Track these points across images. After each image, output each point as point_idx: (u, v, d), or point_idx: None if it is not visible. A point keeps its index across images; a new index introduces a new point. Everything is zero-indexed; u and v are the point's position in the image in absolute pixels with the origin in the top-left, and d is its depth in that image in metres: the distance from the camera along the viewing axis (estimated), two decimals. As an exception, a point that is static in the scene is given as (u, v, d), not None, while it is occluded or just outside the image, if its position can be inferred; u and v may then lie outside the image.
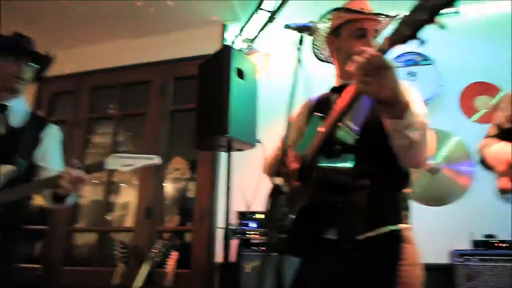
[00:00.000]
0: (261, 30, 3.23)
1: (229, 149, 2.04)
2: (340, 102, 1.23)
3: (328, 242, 1.34)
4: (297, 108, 1.78)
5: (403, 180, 1.41)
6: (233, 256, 2.78)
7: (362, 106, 1.33)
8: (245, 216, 3.00)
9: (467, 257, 2.58)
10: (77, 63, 4.29)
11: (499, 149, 1.29)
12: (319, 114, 1.11)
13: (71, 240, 4.02)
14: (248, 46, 3.37)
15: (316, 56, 1.70)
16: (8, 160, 1.74)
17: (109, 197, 4.08)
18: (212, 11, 3.79)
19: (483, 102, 3.35)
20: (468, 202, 3.04)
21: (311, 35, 1.48)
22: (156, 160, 1.65)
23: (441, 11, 0.84)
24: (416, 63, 3.62)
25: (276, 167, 1.53)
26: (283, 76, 3.80)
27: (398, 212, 1.40)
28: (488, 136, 1.49)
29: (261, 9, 3.22)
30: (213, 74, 2.11)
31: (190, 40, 4.05)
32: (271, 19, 3.14)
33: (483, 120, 3.33)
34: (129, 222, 3.98)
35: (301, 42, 1.46)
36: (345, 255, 1.31)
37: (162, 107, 3.99)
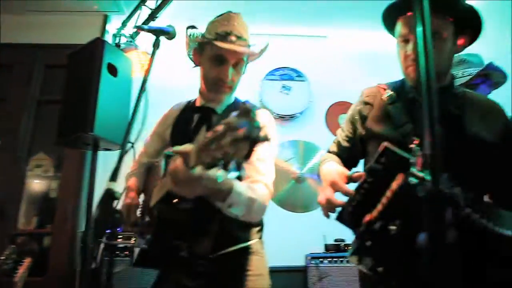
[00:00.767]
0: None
1: (94, 148, 1.92)
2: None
3: (182, 260, 1.40)
4: (161, 117, 1.80)
5: None
6: (96, 262, 2.62)
7: None
8: (111, 219, 2.84)
9: (319, 259, 2.87)
10: None
11: (327, 169, 1.34)
12: (170, 153, 1.12)
13: None
14: (128, 41, 3.23)
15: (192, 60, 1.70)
16: None
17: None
18: (94, -2, 3.54)
19: (344, 120, 3.77)
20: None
21: (170, 39, 1.47)
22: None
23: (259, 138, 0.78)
24: (291, 78, 3.91)
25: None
26: (163, 77, 3.77)
27: (249, 230, 1.52)
28: (328, 151, 1.59)
29: (144, 5, 3.12)
30: (83, 66, 1.96)
31: (68, 26, 3.70)
32: (152, 17, 3.06)
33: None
34: (-26, 224, 3.46)
35: (157, 45, 1.42)
36: (195, 271, 1.40)
37: (26, 96, 3.57)
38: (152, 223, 1.48)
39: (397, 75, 1.43)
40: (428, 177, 0.86)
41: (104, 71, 1.89)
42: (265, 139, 0.76)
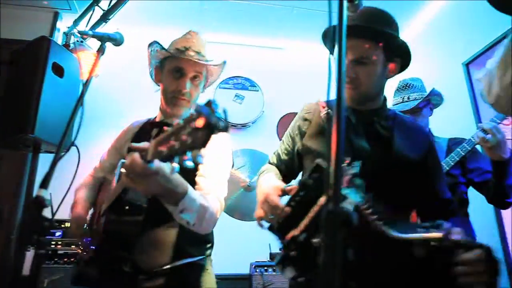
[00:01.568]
0: (93, 27, 3.04)
1: (35, 150, 1.84)
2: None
3: (125, 274, 1.37)
4: (120, 132, 1.81)
5: None
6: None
7: None
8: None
9: (264, 268, 2.92)
10: None
11: (264, 180, 1.38)
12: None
13: None
14: (78, 42, 3.14)
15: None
16: None
17: None
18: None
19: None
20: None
21: (117, 45, 1.46)
22: None
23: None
24: (244, 88, 3.96)
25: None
26: (115, 80, 3.70)
27: (200, 246, 1.53)
28: (269, 162, 1.62)
29: (97, 5, 3.05)
30: (27, 65, 1.89)
31: (16, 20, 3.53)
32: (105, 18, 3.00)
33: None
34: None
35: (102, 51, 1.41)
36: (139, 286, 1.38)
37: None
38: (97, 235, 1.46)
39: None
40: (352, 195, 0.93)
41: (49, 71, 1.83)
42: (225, 128, 0.79)
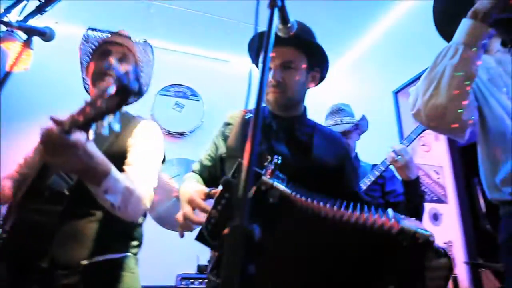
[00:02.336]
0: (26, 18, 2.84)
1: None
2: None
3: (41, 271, 1.27)
4: None
5: None
6: None
7: None
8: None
9: (190, 280, 2.87)
10: None
11: (186, 186, 1.34)
12: None
13: None
14: (8, 31, 2.91)
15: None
16: None
17: None
18: (-30, -25, 3.15)
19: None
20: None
21: (46, 41, 1.40)
22: None
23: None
24: (185, 97, 3.92)
25: None
26: (46, 75, 3.49)
27: (126, 242, 1.46)
28: (192, 171, 1.60)
29: (33, -5, 2.85)
30: None
31: None
32: (40, 10, 2.81)
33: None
34: None
35: (27, 44, 1.37)
36: (57, 285, 1.27)
37: None
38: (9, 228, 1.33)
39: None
40: (278, 183, 0.95)
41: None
42: (138, 92, 0.80)
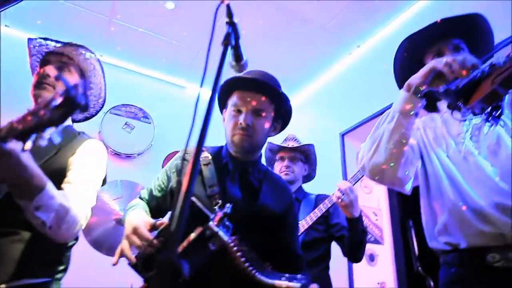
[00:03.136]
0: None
1: None
2: None
3: None
4: None
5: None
6: None
7: None
8: None
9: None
10: None
11: (133, 215, 1.30)
12: None
13: None
14: None
15: None
16: None
17: None
18: None
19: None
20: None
21: None
22: None
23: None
24: (136, 118, 3.85)
25: None
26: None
27: (52, 266, 1.39)
28: (140, 197, 1.57)
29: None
30: None
31: None
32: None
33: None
34: None
35: None
36: None
37: None
38: None
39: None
40: (222, 233, 0.97)
41: None
42: (85, 106, 0.77)
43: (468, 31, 1.47)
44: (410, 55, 1.54)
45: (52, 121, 0.79)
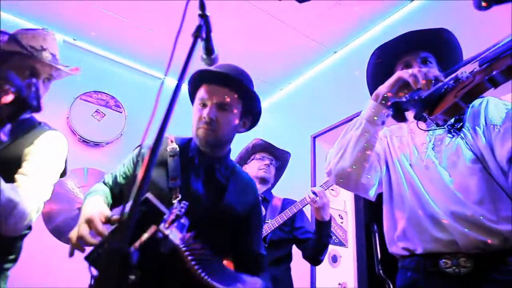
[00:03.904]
0: None
1: None
2: None
3: None
4: None
5: None
6: None
7: None
8: None
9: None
10: None
11: (90, 203, 1.27)
12: None
13: None
14: None
15: None
16: None
17: None
18: None
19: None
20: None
21: None
22: None
23: None
24: (108, 106, 3.77)
25: None
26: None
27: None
28: (103, 182, 1.53)
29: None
30: None
31: None
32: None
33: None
34: None
35: None
36: None
37: None
38: None
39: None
40: (173, 235, 0.95)
41: None
42: (37, 107, 0.75)
43: (436, 44, 1.52)
44: (381, 65, 1.58)
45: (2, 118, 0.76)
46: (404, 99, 1.35)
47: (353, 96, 3.25)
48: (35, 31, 1.51)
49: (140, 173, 0.56)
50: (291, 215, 2.26)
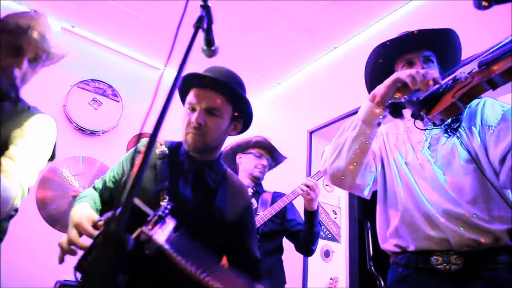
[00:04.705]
0: None
1: None
2: None
3: None
4: None
5: None
6: None
7: None
8: None
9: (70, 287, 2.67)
10: None
11: (77, 209, 1.24)
12: None
13: None
14: None
15: None
16: None
17: None
18: None
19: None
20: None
21: None
22: None
23: None
24: (105, 95, 3.75)
25: None
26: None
27: None
28: (93, 187, 1.51)
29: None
30: None
31: None
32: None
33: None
34: None
35: None
36: None
37: None
38: None
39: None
40: (158, 236, 0.94)
41: None
42: (16, 97, 0.73)
43: (441, 45, 1.51)
44: (381, 62, 1.57)
45: None
46: (402, 100, 1.35)
47: (351, 93, 3.26)
48: (24, 12, 1.49)
49: (135, 168, 0.56)
50: (283, 206, 2.29)
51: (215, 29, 0.95)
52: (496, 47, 1.13)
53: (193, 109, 1.39)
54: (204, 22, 0.84)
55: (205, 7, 0.85)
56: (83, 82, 3.65)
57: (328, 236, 3.52)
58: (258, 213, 2.30)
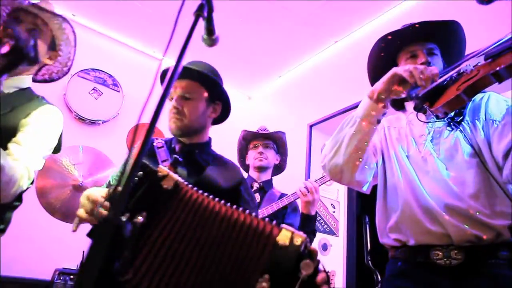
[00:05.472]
0: None
1: None
2: None
3: None
4: None
5: None
6: None
7: None
8: None
9: (69, 276, 2.68)
10: None
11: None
12: None
13: None
14: None
15: None
16: None
17: None
18: None
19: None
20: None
21: None
22: None
23: None
24: (105, 84, 3.73)
25: None
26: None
27: None
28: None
29: None
30: None
31: None
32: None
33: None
34: None
35: None
36: None
37: None
38: None
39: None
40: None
41: None
42: (35, 59, 0.75)
43: (445, 37, 1.49)
44: (384, 54, 1.55)
45: None
46: (402, 96, 1.33)
47: (352, 87, 3.24)
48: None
49: (136, 147, 0.55)
50: (281, 206, 2.26)
51: (216, 22, 0.94)
52: (503, 40, 1.11)
53: (172, 98, 1.53)
54: (205, 10, 0.83)
55: (205, -4, 0.83)
56: (83, 72, 3.63)
57: (326, 229, 3.53)
58: (259, 210, 2.28)
